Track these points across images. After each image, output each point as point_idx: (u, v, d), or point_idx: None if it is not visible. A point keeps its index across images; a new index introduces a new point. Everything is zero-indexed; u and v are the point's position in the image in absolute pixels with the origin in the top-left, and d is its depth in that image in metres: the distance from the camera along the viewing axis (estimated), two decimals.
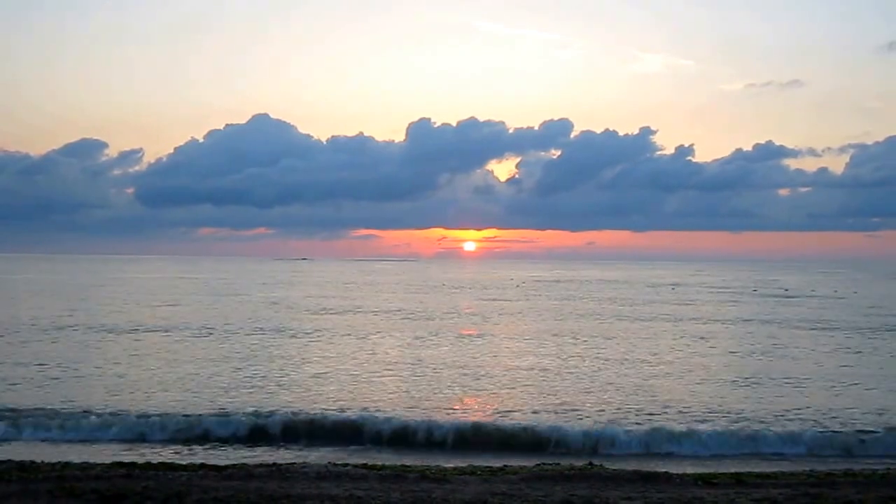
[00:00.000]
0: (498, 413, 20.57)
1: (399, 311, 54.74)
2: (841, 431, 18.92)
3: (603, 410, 20.94)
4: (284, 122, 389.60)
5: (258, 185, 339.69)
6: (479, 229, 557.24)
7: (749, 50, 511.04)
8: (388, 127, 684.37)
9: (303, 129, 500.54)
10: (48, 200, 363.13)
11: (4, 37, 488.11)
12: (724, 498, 11.53)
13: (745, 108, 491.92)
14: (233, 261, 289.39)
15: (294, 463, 13.82)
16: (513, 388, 24.30)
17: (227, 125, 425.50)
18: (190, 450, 17.12)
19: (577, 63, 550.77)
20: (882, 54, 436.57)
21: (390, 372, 26.92)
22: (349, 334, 38.80)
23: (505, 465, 14.47)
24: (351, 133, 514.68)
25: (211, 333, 38.10)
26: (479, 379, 25.89)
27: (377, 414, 19.84)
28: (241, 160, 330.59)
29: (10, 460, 13.66)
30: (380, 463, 14.50)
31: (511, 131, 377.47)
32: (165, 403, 21.03)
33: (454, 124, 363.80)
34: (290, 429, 18.55)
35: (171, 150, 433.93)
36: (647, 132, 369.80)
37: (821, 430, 18.90)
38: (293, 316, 49.78)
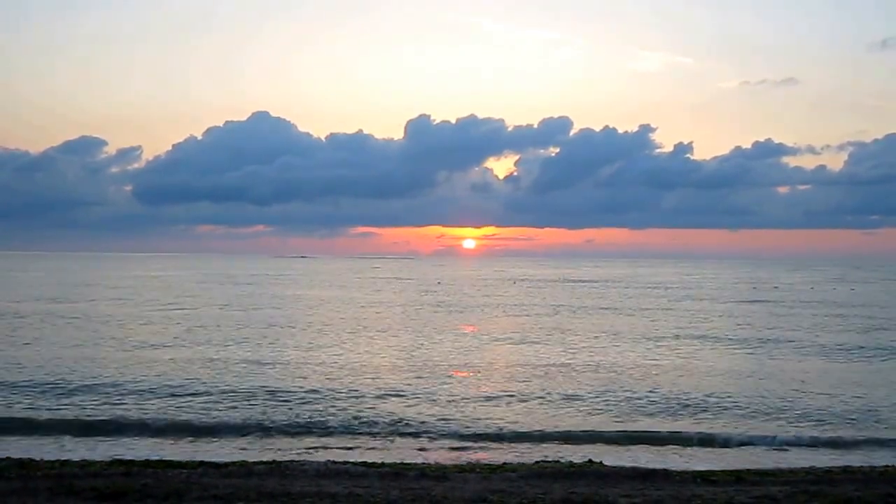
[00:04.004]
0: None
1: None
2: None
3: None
4: (284, 119, 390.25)
5: (257, 183, 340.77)
6: (477, 227, 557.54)
7: (748, 48, 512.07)
8: (388, 124, 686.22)
9: (302, 127, 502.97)
10: (47, 198, 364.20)
11: (4, 35, 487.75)
12: (723, 495, 11.52)
13: (745, 106, 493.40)
14: (228, 258, 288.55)
15: (294, 460, 13.81)
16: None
17: (226, 122, 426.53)
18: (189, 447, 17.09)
19: (576, 61, 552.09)
20: (875, 52, 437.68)
21: None
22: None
23: (504, 463, 14.49)
24: (350, 131, 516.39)
25: None
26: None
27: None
28: (239, 158, 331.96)
29: (9, 458, 13.63)
30: (379, 460, 14.50)
31: (510, 129, 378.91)
32: None
33: (453, 122, 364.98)
34: None
35: (170, 148, 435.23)
36: (646, 130, 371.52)
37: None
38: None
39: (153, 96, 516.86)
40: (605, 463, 14.14)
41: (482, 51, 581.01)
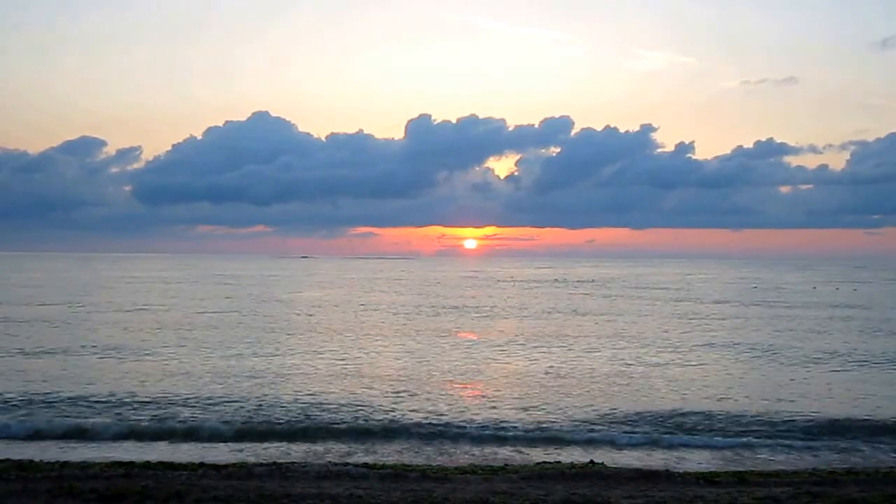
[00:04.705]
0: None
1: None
2: None
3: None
4: (284, 119, 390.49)
5: (257, 183, 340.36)
6: (478, 227, 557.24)
7: (749, 47, 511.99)
8: (388, 124, 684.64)
9: (302, 127, 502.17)
10: (46, 198, 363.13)
11: (3, 35, 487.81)
12: (726, 496, 11.47)
13: (746, 106, 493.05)
14: (228, 259, 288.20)
15: (294, 462, 13.75)
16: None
17: (226, 122, 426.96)
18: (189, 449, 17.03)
19: (577, 60, 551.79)
20: (876, 51, 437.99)
21: None
22: None
23: (506, 464, 14.42)
24: (350, 130, 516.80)
25: None
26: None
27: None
28: (239, 158, 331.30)
29: (8, 459, 13.58)
30: (381, 462, 14.45)
31: (511, 129, 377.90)
32: None
33: (454, 121, 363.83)
34: None
35: (170, 148, 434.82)
36: (647, 129, 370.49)
37: None
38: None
39: (153, 96, 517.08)
40: (607, 464, 14.08)
41: (483, 50, 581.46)
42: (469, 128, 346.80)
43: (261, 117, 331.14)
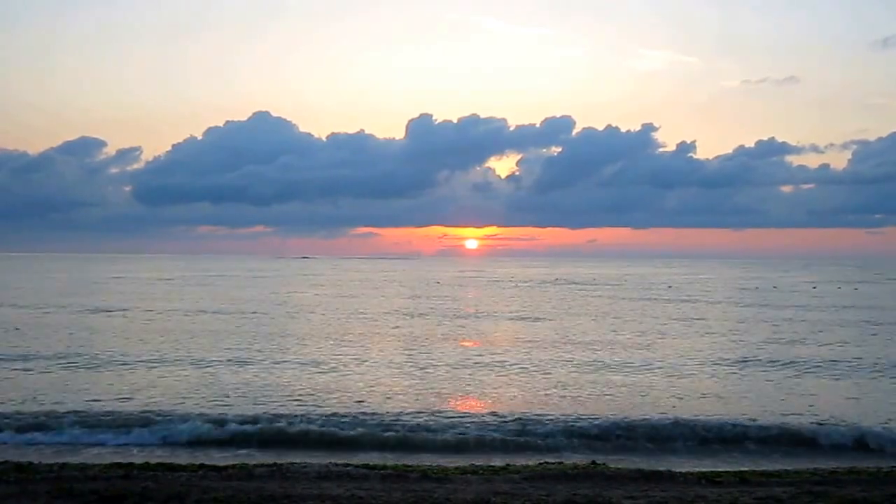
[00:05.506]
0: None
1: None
2: None
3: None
4: (284, 119, 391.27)
5: (257, 183, 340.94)
6: (479, 227, 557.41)
7: (751, 47, 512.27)
8: (389, 124, 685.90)
9: (303, 127, 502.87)
10: (46, 199, 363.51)
11: (3, 35, 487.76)
12: (727, 496, 11.43)
13: (748, 105, 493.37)
14: (228, 260, 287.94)
15: (294, 463, 13.69)
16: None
17: (226, 122, 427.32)
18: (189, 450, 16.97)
19: (578, 60, 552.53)
20: (877, 50, 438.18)
21: None
22: None
23: (507, 465, 14.37)
24: (351, 130, 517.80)
25: None
26: None
27: None
28: (239, 158, 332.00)
29: (7, 461, 13.54)
30: (381, 463, 14.40)
31: (512, 128, 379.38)
32: None
33: (455, 121, 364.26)
34: None
35: (170, 148, 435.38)
36: (648, 129, 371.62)
37: None
38: None
39: (153, 96, 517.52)
40: (609, 464, 14.03)
41: (484, 49, 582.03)
42: (470, 127, 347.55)
43: (261, 117, 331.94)
